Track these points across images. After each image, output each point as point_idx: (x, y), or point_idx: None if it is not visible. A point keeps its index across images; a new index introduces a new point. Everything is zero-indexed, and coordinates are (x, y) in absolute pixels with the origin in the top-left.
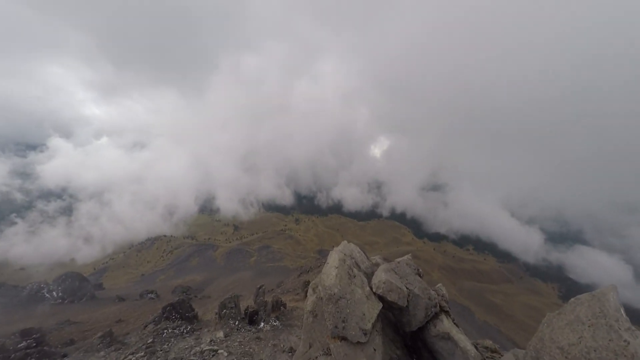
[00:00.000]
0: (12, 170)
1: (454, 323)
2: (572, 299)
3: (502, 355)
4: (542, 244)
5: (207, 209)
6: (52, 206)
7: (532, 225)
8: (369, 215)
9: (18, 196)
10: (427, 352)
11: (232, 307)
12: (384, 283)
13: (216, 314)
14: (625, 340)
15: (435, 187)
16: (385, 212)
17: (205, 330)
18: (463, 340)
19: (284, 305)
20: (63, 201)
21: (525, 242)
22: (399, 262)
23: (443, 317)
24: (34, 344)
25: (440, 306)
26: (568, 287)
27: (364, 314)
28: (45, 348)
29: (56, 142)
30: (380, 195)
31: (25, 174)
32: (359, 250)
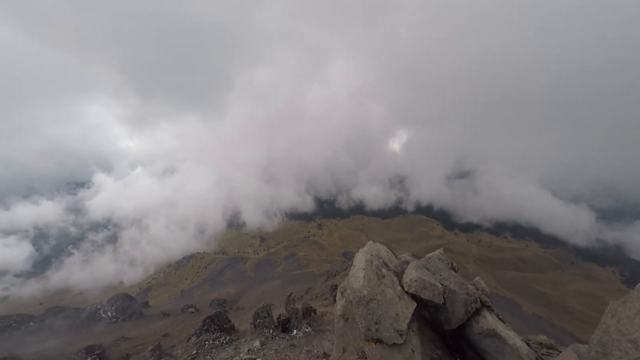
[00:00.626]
0: (67, 208)
1: (499, 318)
2: None
3: (560, 352)
4: (594, 223)
5: (234, 223)
6: (100, 236)
7: (579, 203)
8: (393, 212)
9: (72, 230)
10: (471, 350)
11: (265, 317)
12: (415, 281)
13: (251, 323)
14: None
15: (463, 175)
16: (410, 207)
17: (243, 340)
18: (512, 336)
19: (314, 311)
20: (109, 230)
21: (572, 223)
22: (430, 258)
23: (486, 312)
24: (97, 359)
25: (481, 301)
26: (632, 269)
27: (398, 315)
28: None
29: (99, 177)
30: (403, 190)
31: (77, 210)
32: (386, 249)
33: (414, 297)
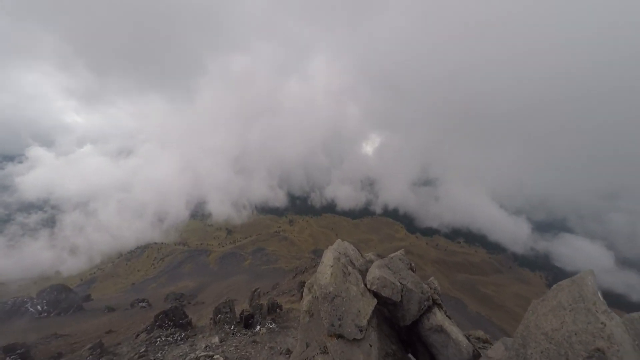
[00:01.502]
0: None
1: (447, 315)
2: (554, 286)
3: (492, 345)
4: (530, 233)
5: (199, 214)
6: (33, 218)
7: (519, 215)
8: (363, 213)
9: None
10: (421, 345)
11: (227, 312)
12: (377, 279)
13: (211, 319)
14: (602, 323)
15: (427, 182)
16: (378, 209)
17: (200, 336)
18: (455, 332)
19: (280, 308)
20: (45, 213)
21: (513, 232)
22: (392, 258)
23: (436, 310)
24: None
25: (433, 299)
26: (554, 275)
27: (359, 311)
28: None
29: (36, 151)
30: (373, 193)
31: (3, 187)
32: (353, 248)
33: (375, 294)
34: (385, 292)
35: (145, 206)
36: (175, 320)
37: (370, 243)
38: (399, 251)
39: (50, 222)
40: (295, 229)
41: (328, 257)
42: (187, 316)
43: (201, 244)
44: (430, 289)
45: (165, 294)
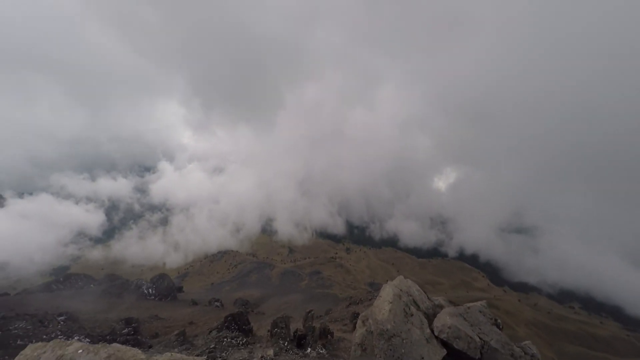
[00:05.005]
0: (135, 187)
1: None
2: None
3: None
4: None
5: (268, 229)
6: (155, 217)
7: None
8: (431, 253)
9: (136, 207)
10: None
11: (282, 327)
12: (449, 327)
13: (268, 331)
14: None
15: (520, 230)
16: (451, 252)
17: (258, 345)
18: None
19: (331, 334)
20: (162, 213)
21: None
22: (469, 308)
23: None
24: (132, 332)
25: None
26: None
27: (423, 358)
28: (138, 337)
29: (163, 165)
30: (445, 233)
31: (142, 190)
32: (418, 288)
33: (445, 344)
34: (459, 345)
35: (228, 217)
36: (240, 324)
37: (439, 287)
38: (479, 302)
39: (165, 222)
40: (351, 258)
41: (387, 292)
42: (249, 323)
43: (267, 258)
44: (526, 354)
45: (235, 298)
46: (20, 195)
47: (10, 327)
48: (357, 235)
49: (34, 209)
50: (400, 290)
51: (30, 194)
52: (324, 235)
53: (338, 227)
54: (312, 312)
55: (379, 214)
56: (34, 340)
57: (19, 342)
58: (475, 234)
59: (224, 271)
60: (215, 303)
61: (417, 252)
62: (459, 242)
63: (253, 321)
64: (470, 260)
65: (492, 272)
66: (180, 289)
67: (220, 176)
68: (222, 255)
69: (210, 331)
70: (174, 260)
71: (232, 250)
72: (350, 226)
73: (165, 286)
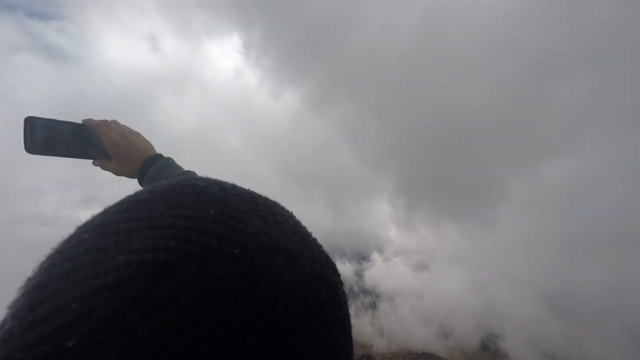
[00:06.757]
0: (354, 272)
1: None
2: None
3: None
4: None
5: (491, 347)
6: (367, 300)
7: None
8: None
9: (355, 288)
10: None
11: None
12: None
13: None
14: None
15: None
16: None
17: None
18: None
19: None
20: (372, 298)
21: None
22: None
23: None
24: None
25: None
26: None
27: None
28: None
29: (374, 255)
30: None
31: (359, 275)
32: None
33: None
34: None
35: (432, 315)
36: None
37: None
38: None
39: (374, 306)
40: None
41: None
42: None
43: None
44: None
45: None
46: None
47: None
48: None
49: None
50: None
51: None
52: None
53: None
54: None
55: None
56: None
57: None
58: None
59: None
60: None
61: None
62: None
63: None
64: None
65: None
66: None
67: (424, 272)
68: (427, 358)
69: None
70: (378, 344)
71: (439, 357)
72: None
73: None
